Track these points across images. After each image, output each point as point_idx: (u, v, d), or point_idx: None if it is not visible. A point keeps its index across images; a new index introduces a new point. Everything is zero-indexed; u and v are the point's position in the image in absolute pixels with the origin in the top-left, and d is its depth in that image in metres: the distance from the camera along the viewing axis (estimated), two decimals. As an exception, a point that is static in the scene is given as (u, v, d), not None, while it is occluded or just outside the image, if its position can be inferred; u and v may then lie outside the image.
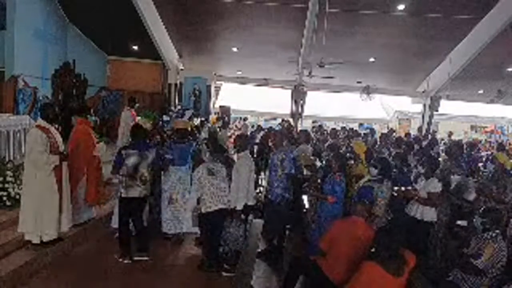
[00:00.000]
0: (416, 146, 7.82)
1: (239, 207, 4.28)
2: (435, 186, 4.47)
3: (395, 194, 4.69)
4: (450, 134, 14.09)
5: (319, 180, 5.22)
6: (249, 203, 4.43)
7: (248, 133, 11.65)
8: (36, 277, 4.02)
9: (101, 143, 5.94)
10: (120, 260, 4.50)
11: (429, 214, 4.47)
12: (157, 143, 5.52)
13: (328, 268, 3.52)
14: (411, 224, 4.55)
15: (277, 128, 10.60)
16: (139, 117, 8.46)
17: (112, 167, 4.59)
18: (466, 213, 5.18)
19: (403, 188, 4.81)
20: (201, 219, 4.52)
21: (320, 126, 11.95)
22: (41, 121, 4.34)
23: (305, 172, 5.89)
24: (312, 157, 5.80)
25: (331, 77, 12.09)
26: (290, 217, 6.08)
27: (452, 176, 5.09)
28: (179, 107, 11.56)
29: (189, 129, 6.01)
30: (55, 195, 4.28)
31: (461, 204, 5.06)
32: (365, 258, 3.12)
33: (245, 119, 14.12)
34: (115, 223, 4.97)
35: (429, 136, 11.96)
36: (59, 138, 4.42)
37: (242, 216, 4.33)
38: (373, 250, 3.08)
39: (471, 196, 4.98)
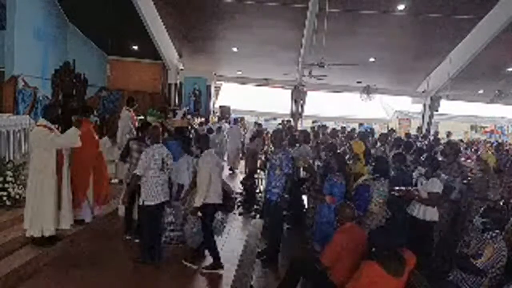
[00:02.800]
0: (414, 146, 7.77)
1: (197, 204, 4.36)
2: (436, 186, 4.46)
3: (396, 194, 4.68)
4: (449, 134, 14.05)
5: (318, 182, 5.21)
6: (217, 202, 4.50)
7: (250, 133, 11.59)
8: (37, 277, 4.02)
9: (105, 138, 5.99)
10: (124, 235, 5.13)
11: (431, 214, 4.46)
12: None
13: (332, 273, 3.51)
14: (413, 224, 4.54)
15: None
16: (139, 117, 8.48)
17: (119, 156, 5.35)
18: (463, 213, 5.20)
19: (403, 188, 4.80)
20: (143, 211, 4.55)
21: (324, 126, 11.80)
22: (44, 121, 4.32)
23: (302, 174, 5.90)
24: (310, 159, 5.81)
25: (325, 76, 12.02)
26: (290, 217, 6.10)
27: (441, 176, 5.11)
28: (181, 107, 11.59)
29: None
30: (55, 192, 4.30)
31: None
32: (364, 258, 3.12)
33: (241, 119, 14.12)
34: (122, 212, 5.42)
35: (428, 137, 11.94)
36: None
37: (199, 214, 4.42)
38: (373, 250, 3.07)
39: (453, 195, 5.11)
